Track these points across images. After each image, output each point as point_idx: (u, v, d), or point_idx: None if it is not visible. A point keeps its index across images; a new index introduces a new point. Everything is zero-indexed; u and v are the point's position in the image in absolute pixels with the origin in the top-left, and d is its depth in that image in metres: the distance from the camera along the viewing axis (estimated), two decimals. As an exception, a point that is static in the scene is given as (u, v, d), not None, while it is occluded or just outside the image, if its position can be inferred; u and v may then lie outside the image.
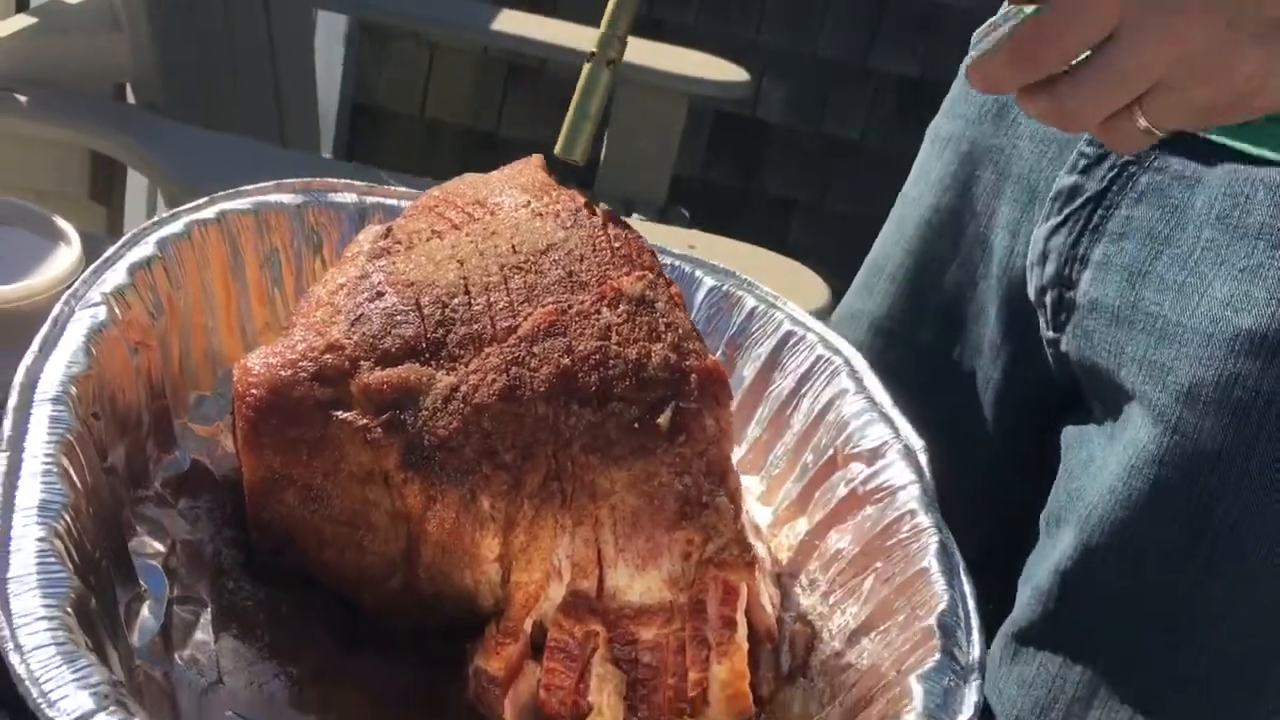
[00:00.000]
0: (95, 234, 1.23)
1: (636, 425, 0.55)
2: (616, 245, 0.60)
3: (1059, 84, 0.59)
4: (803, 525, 0.70)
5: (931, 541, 0.60)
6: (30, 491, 0.51)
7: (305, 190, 0.82)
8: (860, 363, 0.76)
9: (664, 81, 1.90)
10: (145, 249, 0.68)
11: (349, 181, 0.84)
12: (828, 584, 0.66)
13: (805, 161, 3.04)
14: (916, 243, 0.92)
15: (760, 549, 0.66)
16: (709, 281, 0.85)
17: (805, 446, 0.74)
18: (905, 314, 0.93)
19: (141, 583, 0.58)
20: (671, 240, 1.09)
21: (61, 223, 0.78)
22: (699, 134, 2.88)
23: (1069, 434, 0.82)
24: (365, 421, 0.58)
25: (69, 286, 0.67)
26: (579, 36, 2.09)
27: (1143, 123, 0.59)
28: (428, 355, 0.58)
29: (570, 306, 0.58)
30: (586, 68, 0.64)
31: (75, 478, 0.51)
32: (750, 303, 0.83)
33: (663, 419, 0.55)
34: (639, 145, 1.93)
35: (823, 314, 1.31)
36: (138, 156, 1.51)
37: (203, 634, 0.59)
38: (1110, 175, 0.79)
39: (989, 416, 0.88)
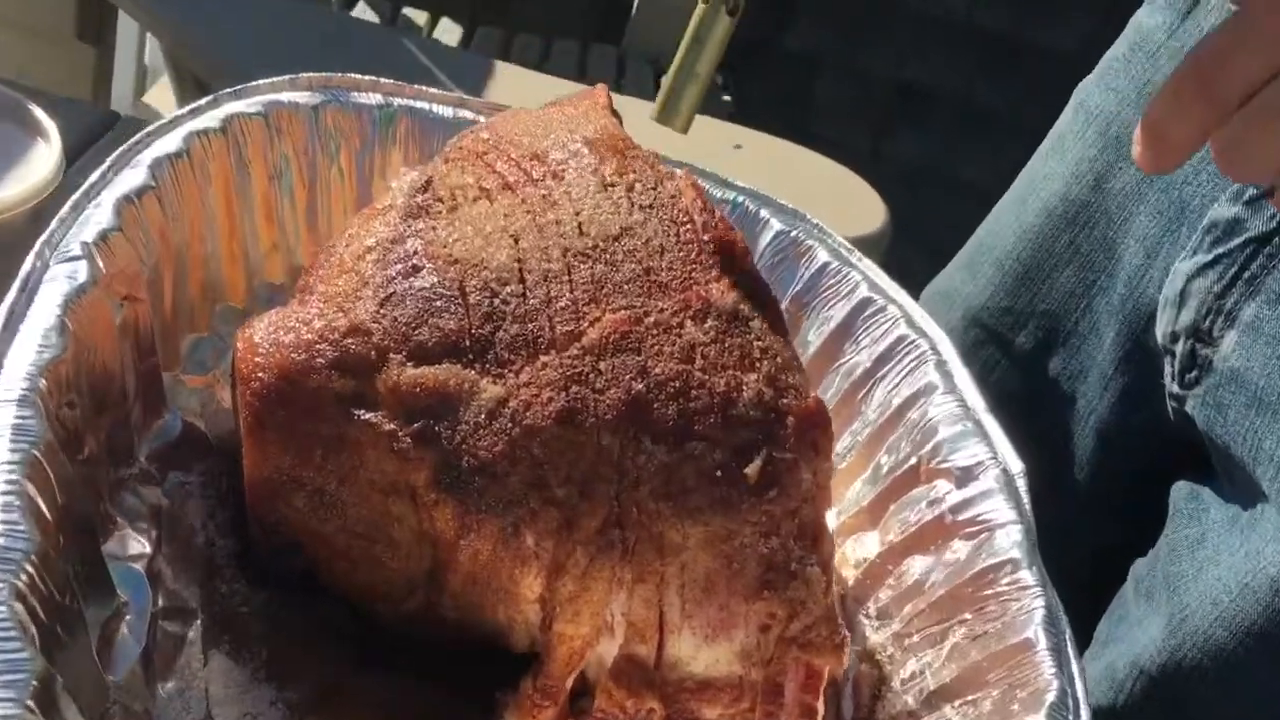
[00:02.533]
0: (78, 89, 1.11)
1: (719, 473, 0.46)
2: (705, 238, 0.50)
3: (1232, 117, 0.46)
4: (873, 542, 0.62)
5: (1037, 606, 0.52)
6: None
7: (323, 88, 0.71)
8: (949, 351, 0.66)
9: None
10: (136, 175, 0.57)
11: (374, 79, 0.73)
12: (902, 622, 0.58)
13: (838, 16, 2.87)
14: (1035, 231, 0.80)
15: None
16: (776, 224, 0.74)
17: (880, 444, 0.65)
18: (1006, 310, 0.81)
19: (121, 594, 0.50)
20: (715, 138, 1.00)
21: (39, 113, 0.67)
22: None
23: (1181, 492, 0.72)
24: (392, 427, 0.49)
25: (46, 211, 0.56)
26: None
27: None
28: (471, 356, 0.49)
29: (647, 314, 0.48)
30: (700, 9, 0.51)
31: (44, 506, 0.42)
32: (822, 256, 0.73)
33: (751, 468, 0.46)
34: (674, -2, 1.78)
35: (877, 240, 1.21)
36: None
37: (190, 654, 0.51)
38: None
39: (1085, 449, 0.78)
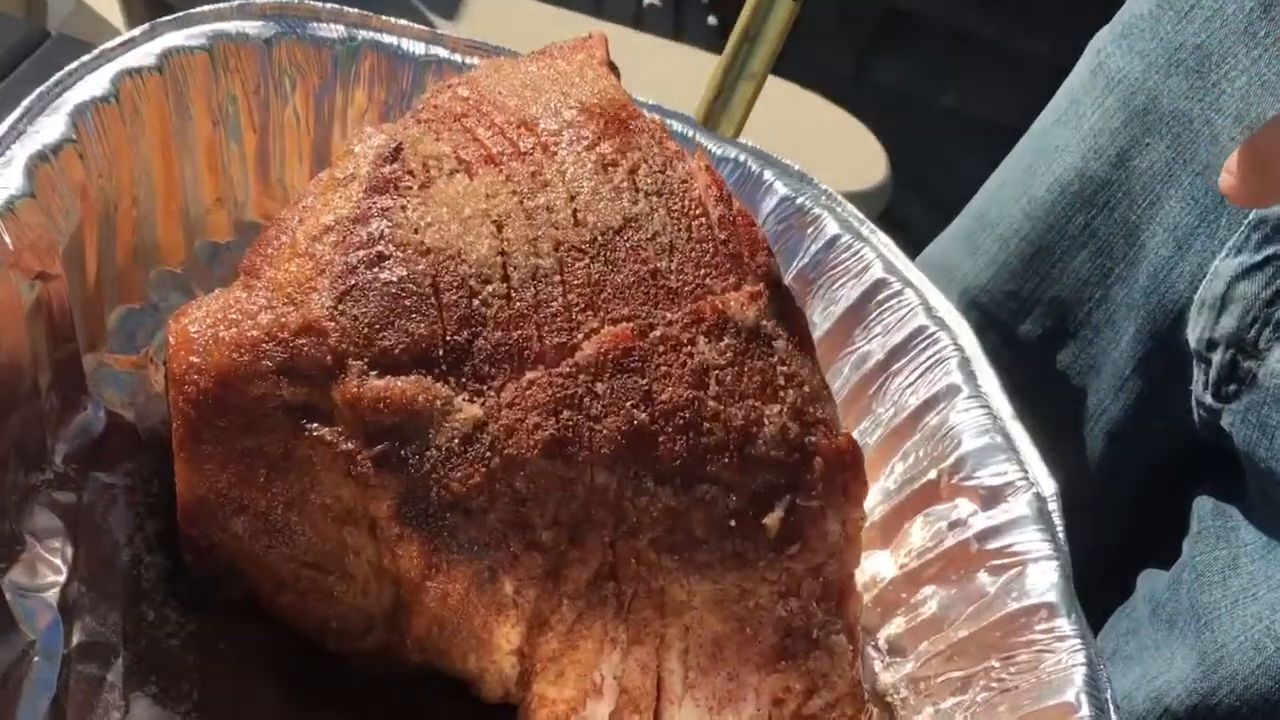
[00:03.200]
0: (11, 14, 1.00)
1: (733, 522, 0.39)
2: (722, 236, 0.43)
3: None
4: (886, 563, 0.56)
5: (1077, 664, 0.46)
6: None
7: (278, 16, 0.62)
8: (973, 346, 0.60)
9: None
10: (54, 124, 0.49)
11: (337, 7, 0.64)
12: (918, 662, 0.52)
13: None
14: (1046, 208, 0.72)
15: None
16: (780, 189, 0.67)
17: (895, 449, 0.59)
18: (1011, 295, 0.73)
19: (26, 631, 0.42)
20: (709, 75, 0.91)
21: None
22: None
23: (1205, 508, 0.65)
24: (350, 447, 0.42)
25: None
26: None
27: None
28: (444, 368, 0.41)
29: (653, 327, 0.41)
30: None
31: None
32: (832, 228, 0.66)
33: (771, 518, 0.39)
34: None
35: (878, 193, 1.13)
36: None
37: (110, 699, 0.44)
38: None
39: (1094, 450, 0.71)
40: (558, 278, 0.42)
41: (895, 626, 0.54)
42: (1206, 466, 0.66)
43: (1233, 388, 0.63)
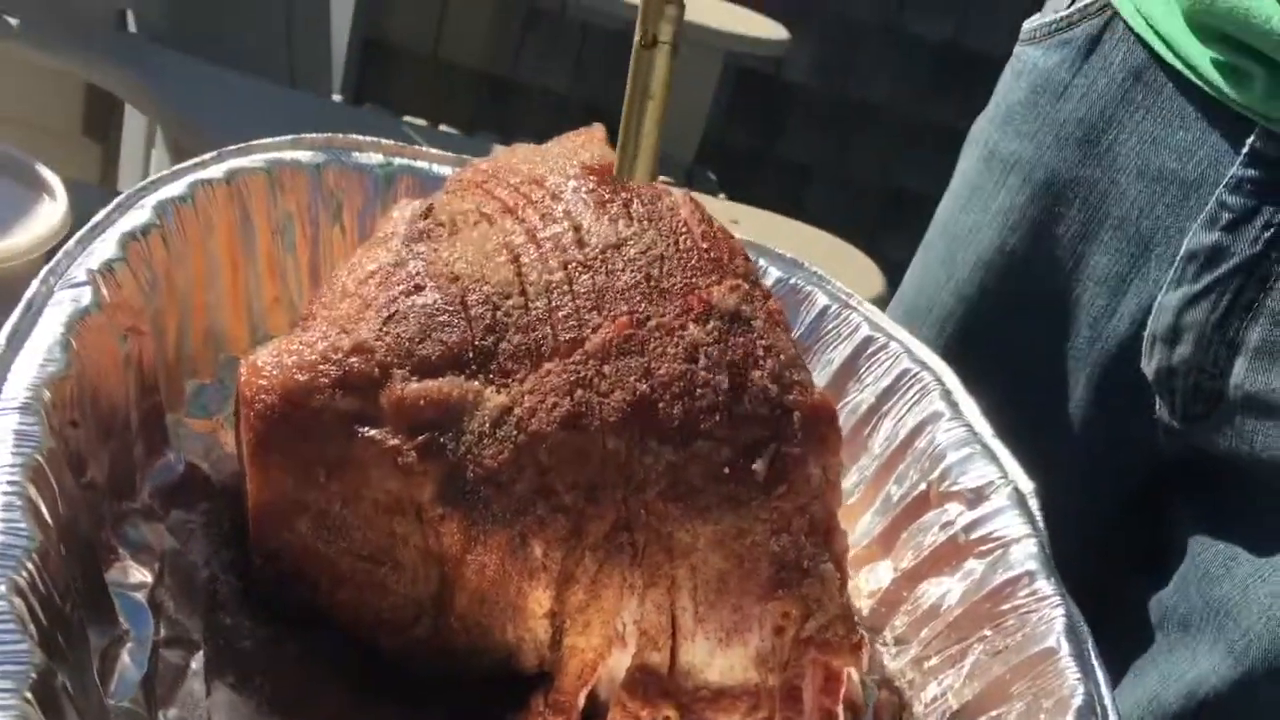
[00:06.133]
0: (85, 180, 1.13)
1: (727, 470, 0.46)
2: (704, 246, 0.51)
3: None
4: (886, 571, 0.61)
5: (1057, 615, 0.51)
6: (-12, 529, 0.41)
7: (326, 148, 0.72)
8: (953, 380, 0.66)
9: (699, 35, 1.78)
10: (141, 214, 0.58)
11: (375, 140, 0.74)
12: (920, 646, 0.57)
13: (827, 125, 2.93)
14: (972, 287, 0.77)
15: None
16: (774, 272, 0.75)
17: (888, 476, 0.65)
18: (956, 371, 0.79)
19: (122, 622, 0.49)
20: (713, 214, 1.00)
21: (46, 172, 0.68)
22: (720, 93, 2.77)
23: (1186, 516, 0.70)
24: (396, 442, 0.48)
25: (51, 253, 0.57)
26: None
27: None
28: (475, 367, 0.49)
29: (649, 319, 0.48)
30: (638, 54, 0.45)
31: (45, 510, 0.42)
32: (822, 300, 0.73)
33: (759, 464, 0.46)
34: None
35: (878, 305, 1.21)
36: (136, 91, 1.39)
37: (193, 684, 0.49)
38: (1267, 237, 0.64)
39: (1066, 497, 0.74)
40: (567, 288, 0.50)
41: (899, 621, 0.58)
42: (1179, 479, 0.71)
43: (1200, 408, 0.68)
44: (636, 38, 0.44)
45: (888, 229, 2.68)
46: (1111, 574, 0.74)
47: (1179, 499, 0.71)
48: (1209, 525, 0.69)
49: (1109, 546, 0.75)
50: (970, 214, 0.79)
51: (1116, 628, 0.73)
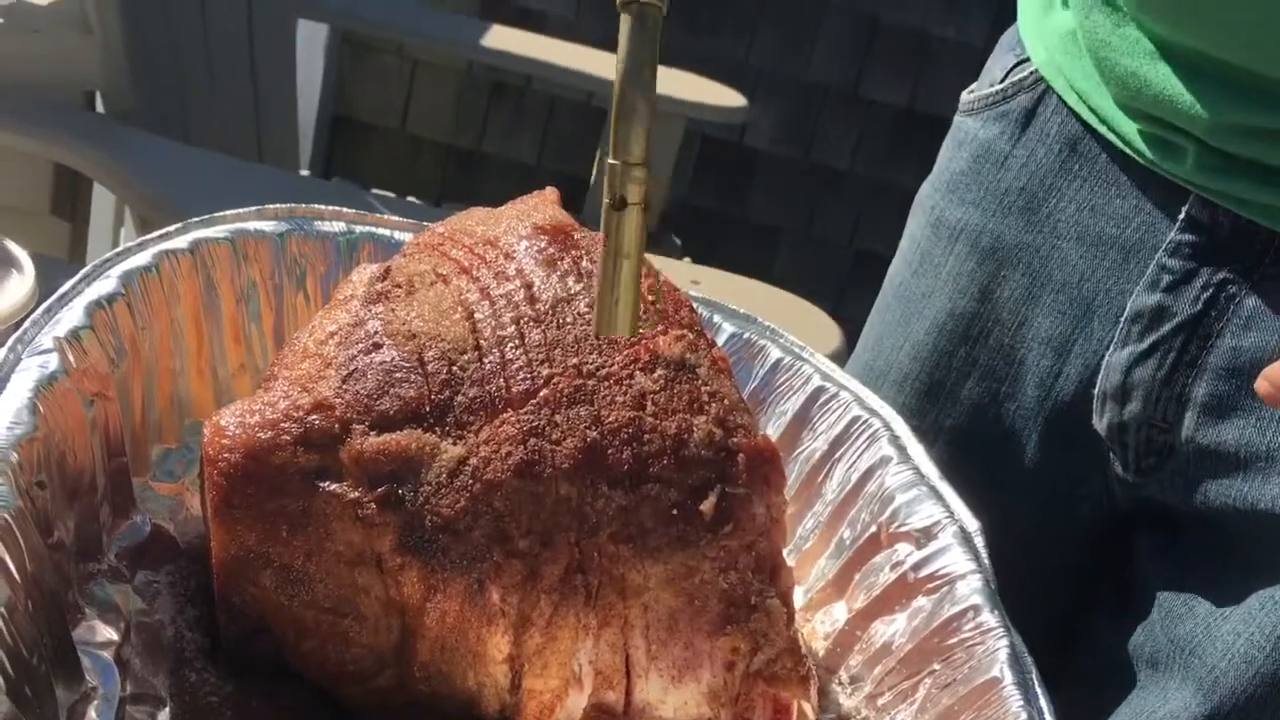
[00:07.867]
0: (54, 256, 1.14)
1: (675, 512, 0.48)
2: (650, 298, 0.53)
3: None
4: (840, 612, 0.63)
5: (1000, 646, 0.53)
6: (-43, 585, 0.42)
7: (288, 217, 0.74)
8: (902, 427, 0.68)
9: (660, 105, 1.82)
10: (107, 284, 0.60)
11: (337, 209, 0.76)
12: (873, 684, 0.58)
13: (792, 189, 2.98)
14: (928, 349, 0.80)
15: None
16: (728, 328, 0.77)
17: (841, 520, 0.66)
18: (912, 429, 0.81)
19: (89, 679, 0.50)
20: (673, 276, 1.03)
21: (13, 247, 0.70)
22: (685, 158, 2.82)
23: (1144, 560, 0.72)
24: (356, 495, 0.50)
25: (19, 324, 0.58)
26: (565, 54, 2.02)
27: None
28: (431, 420, 0.50)
29: (598, 369, 0.50)
30: (607, 215, 0.43)
31: (12, 567, 0.43)
32: (775, 353, 0.76)
33: (706, 505, 0.48)
34: (631, 169, 1.86)
35: (836, 361, 1.24)
36: (105, 170, 1.42)
37: (159, 739, 0.50)
38: (1206, 296, 0.67)
39: (1019, 550, 0.73)
40: (519, 342, 0.52)
41: (853, 660, 0.60)
42: (1133, 527, 0.73)
43: (1153, 460, 0.71)
44: (605, 199, 0.43)
45: (856, 288, 2.72)
46: (1082, 614, 0.76)
47: (1141, 538, 0.73)
48: (1169, 565, 0.70)
49: (1077, 589, 0.77)
50: (923, 279, 0.82)
51: (1089, 666, 0.74)
